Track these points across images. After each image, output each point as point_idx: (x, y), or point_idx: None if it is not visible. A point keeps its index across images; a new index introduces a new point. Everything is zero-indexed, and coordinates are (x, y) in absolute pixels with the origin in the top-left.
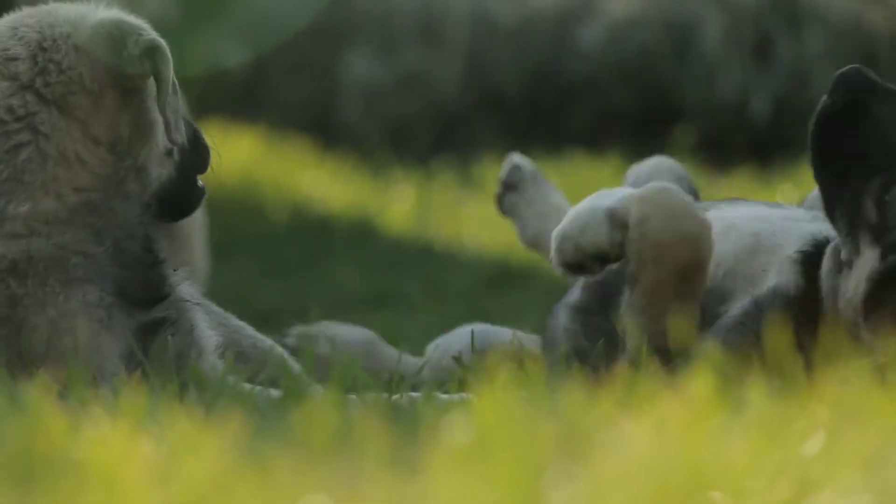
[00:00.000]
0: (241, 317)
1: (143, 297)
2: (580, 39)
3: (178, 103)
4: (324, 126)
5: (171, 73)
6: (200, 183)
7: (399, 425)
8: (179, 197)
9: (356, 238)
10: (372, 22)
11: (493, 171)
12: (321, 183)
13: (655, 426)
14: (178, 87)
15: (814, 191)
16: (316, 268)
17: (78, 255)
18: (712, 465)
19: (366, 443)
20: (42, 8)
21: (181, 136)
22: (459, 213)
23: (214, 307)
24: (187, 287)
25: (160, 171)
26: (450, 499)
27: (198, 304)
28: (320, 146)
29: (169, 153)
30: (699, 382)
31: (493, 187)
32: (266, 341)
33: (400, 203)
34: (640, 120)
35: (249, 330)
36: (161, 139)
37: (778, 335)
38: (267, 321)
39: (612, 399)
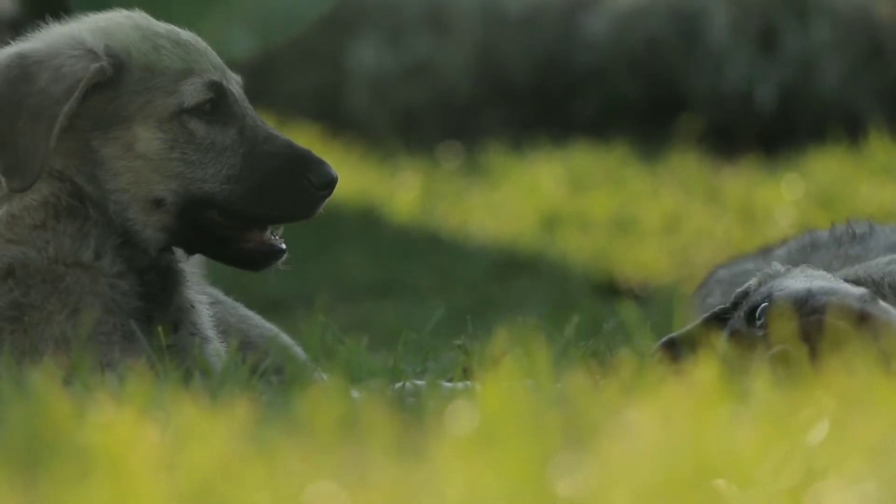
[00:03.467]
0: (248, 305)
1: (155, 307)
2: (587, 29)
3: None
4: (331, 114)
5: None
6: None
7: (405, 413)
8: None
9: (363, 226)
10: (380, 10)
11: (500, 160)
12: None
13: (661, 415)
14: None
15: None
16: (323, 255)
17: (74, 269)
18: (718, 454)
19: (372, 430)
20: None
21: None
22: (466, 201)
23: (223, 296)
24: (196, 281)
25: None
26: (456, 486)
27: (204, 295)
28: (328, 134)
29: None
30: (705, 371)
31: (500, 176)
32: (273, 330)
33: (407, 191)
34: (646, 109)
35: (257, 319)
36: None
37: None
38: (274, 309)
39: (617, 387)
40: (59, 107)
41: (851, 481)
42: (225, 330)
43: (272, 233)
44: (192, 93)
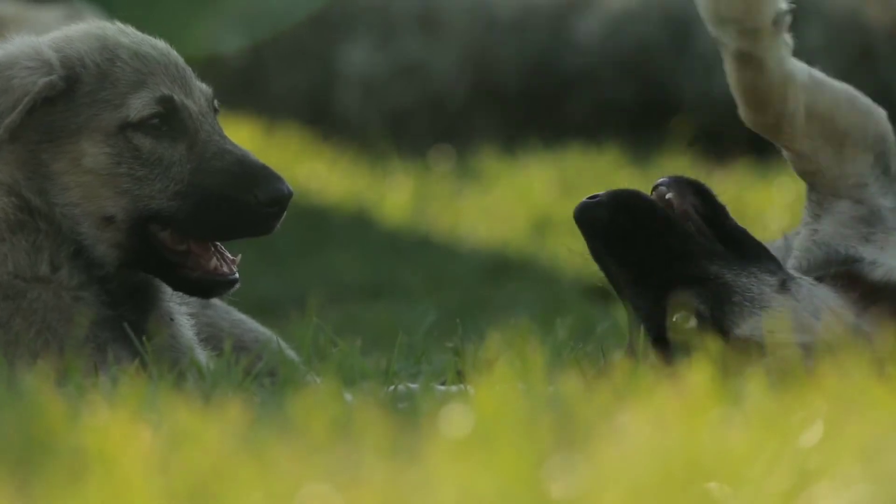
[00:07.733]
0: (240, 306)
1: (131, 312)
2: (578, 32)
3: None
4: (322, 116)
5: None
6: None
7: (398, 415)
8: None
9: (354, 228)
10: (371, 12)
11: (492, 163)
12: (319, 173)
13: (654, 417)
14: None
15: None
16: (314, 257)
17: (34, 284)
18: (711, 456)
19: (365, 432)
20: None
21: None
22: (457, 203)
23: (215, 300)
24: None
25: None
26: (449, 489)
27: (185, 305)
28: (318, 136)
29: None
30: (697, 373)
31: (492, 178)
32: (267, 334)
33: (398, 193)
34: (637, 112)
35: (251, 323)
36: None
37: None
38: (265, 310)
39: (610, 390)
40: (0, 119)
41: (844, 483)
42: (217, 334)
43: (225, 262)
44: (138, 107)
